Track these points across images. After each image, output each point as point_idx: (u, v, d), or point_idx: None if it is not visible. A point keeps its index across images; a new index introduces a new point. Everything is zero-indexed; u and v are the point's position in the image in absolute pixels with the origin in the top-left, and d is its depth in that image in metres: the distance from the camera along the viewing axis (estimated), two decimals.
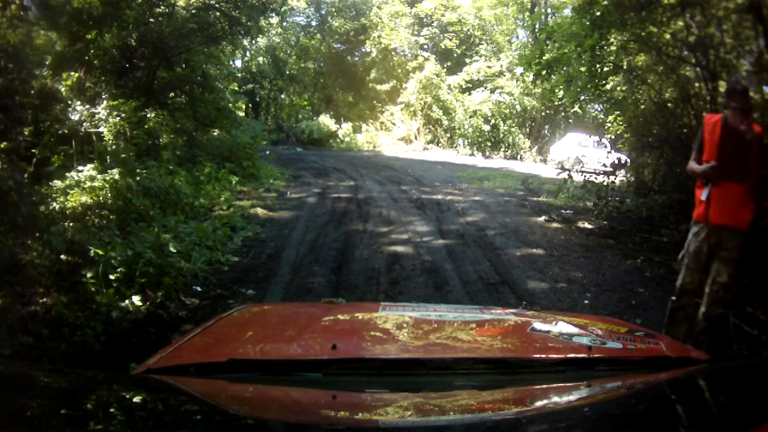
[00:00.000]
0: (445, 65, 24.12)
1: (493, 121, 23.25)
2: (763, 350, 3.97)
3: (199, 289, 5.00)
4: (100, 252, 4.51)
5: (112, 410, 1.07)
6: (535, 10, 23.25)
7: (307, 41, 26.54)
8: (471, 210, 9.37)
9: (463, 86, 23.25)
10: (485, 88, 23.39)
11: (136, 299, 4.26)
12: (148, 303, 4.32)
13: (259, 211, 8.27)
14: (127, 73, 10.24)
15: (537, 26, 24.32)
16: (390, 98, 24.51)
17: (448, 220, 8.41)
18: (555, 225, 8.70)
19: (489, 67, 23.23)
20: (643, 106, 10.87)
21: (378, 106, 24.78)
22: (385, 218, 8.33)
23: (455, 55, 24.97)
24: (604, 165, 9.84)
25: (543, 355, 1.51)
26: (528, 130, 24.67)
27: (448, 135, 23.56)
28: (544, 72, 9.87)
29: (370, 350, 1.51)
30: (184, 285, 4.93)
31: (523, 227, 8.22)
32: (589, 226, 8.60)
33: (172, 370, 1.35)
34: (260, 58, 24.66)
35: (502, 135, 23.62)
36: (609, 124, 18.64)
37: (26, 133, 6.40)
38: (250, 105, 25.84)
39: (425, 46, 24.91)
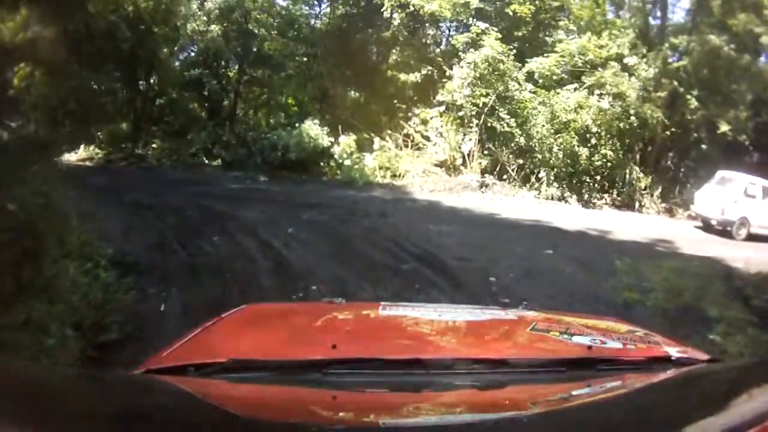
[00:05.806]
0: (512, 46, 14.83)
1: (594, 141, 13.97)
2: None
3: None
4: None
5: (111, 410, 1.05)
6: None
7: (296, 11, 17.56)
8: None
9: (554, 77, 13.91)
10: (581, 86, 14.10)
11: None
12: None
13: None
14: None
15: None
16: (421, 95, 15.34)
17: None
18: None
19: (600, 46, 13.78)
20: None
21: (401, 108, 15.52)
22: None
23: (525, 31, 15.72)
24: None
25: (543, 355, 1.51)
26: (639, 156, 15.37)
27: (520, 161, 14.13)
28: None
29: (370, 350, 1.47)
30: None
31: None
32: None
33: (172, 370, 1.35)
34: (213, 27, 15.50)
35: (599, 164, 14.38)
36: None
37: None
38: (203, 102, 16.76)
39: (481, 11, 15.44)
